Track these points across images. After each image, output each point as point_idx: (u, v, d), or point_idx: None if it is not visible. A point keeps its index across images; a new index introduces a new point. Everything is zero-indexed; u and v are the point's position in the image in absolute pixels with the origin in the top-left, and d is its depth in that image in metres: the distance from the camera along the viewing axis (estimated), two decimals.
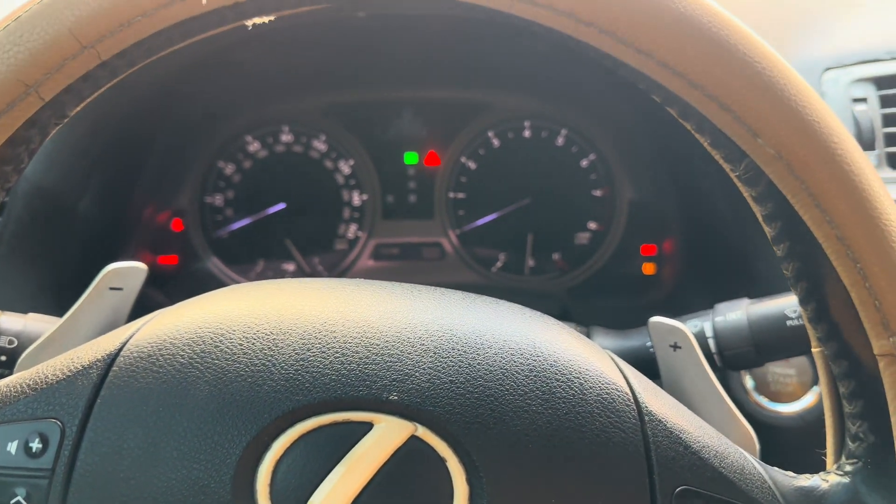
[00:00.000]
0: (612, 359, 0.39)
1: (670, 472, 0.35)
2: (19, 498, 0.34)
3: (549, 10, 0.32)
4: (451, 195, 1.06)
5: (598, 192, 1.05)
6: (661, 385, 0.57)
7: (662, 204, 1.03)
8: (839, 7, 0.85)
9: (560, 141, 1.04)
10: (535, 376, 0.35)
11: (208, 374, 0.34)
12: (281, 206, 1.04)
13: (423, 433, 0.33)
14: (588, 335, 0.72)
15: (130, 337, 0.37)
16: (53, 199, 0.84)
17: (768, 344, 0.63)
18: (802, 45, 0.81)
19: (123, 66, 0.34)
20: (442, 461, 0.33)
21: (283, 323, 0.36)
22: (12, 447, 0.34)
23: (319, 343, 0.35)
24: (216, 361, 0.35)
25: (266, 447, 0.33)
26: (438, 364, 0.35)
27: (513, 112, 1.04)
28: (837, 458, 0.39)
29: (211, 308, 0.38)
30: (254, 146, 1.04)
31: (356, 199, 1.05)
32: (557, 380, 0.35)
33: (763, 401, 0.76)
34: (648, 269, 1.05)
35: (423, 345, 0.36)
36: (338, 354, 0.35)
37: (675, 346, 0.60)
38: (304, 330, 0.36)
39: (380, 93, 1.04)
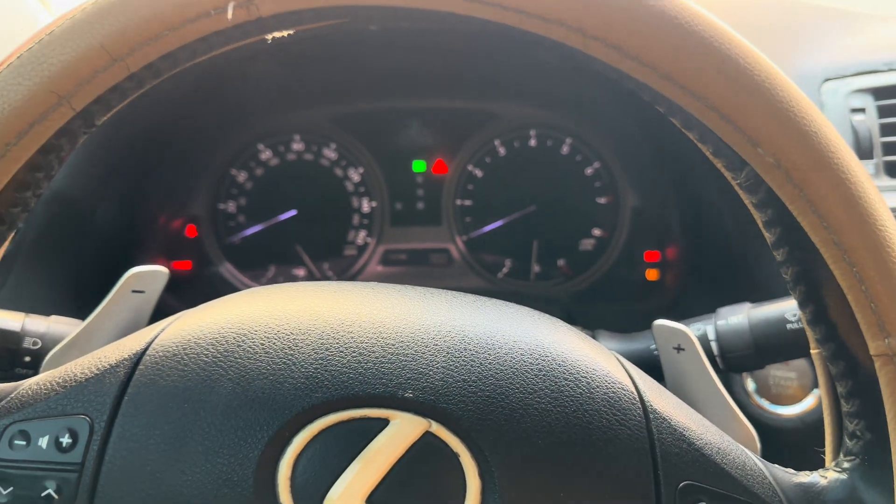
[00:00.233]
0: (618, 359, 0.40)
1: (674, 467, 0.35)
2: (50, 491, 0.34)
3: (559, 25, 0.33)
4: (459, 202, 1.06)
5: (602, 200, 1.05)
6: (665, 386, 0.58)
7: (665, 211, 1.03)
8: (838, 20, 0.86)
9: (565, 150, 1.05)
10: (544, 375, 0.36)
11: (231, 373, 0.35)
12: (292, 212, 1.05)
13: (437, 429, 0.34)
14: (594, 338, 0.73)
15: (156, 337, 0.38)
16: (72, 206, 0.85)
17: (769, 346, 0.64)
18: (803, 56, 0.82)
19: (150, 78, 0.36)
20: (455, 456, 0.34)
21: (303, 324, 0.37)
22: (43, 442, 0.35)
23: (337, 343, 0.36)
24: (239, 360, 0.36)
25: (287, 442, 0.34)
26: (451, 363, 0.36)
27: (519, 121, 1.05)
28: (836, 456, 0.39)
29: (233, 310, 0.39)
30: (266, 154, 1.05)
31: (365, 205, 1.06)
32: (566, 379, 0.36)
33: (764, 403, 0.77)
34: (652, 274, 1.06)
35: (437, 345, 0.36)
36: (355, 354, 0.36)
37: (679, 348, 0.61)
38: (323, 330, 0.37)
39: (389, 103, 1.05)
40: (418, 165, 1.06)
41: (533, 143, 1.05)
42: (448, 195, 1.06)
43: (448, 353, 0.36)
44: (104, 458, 0.35)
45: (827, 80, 0.80)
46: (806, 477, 0.38)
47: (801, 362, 0.77)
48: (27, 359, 0.63)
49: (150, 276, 0.62)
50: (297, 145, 1.05)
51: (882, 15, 0.87)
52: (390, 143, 1.06)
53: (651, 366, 0.63)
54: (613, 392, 0.37)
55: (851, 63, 0.80)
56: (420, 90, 1.04)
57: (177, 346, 0.37)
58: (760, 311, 0.65)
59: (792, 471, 0.39)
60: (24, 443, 0.36)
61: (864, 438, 0.37)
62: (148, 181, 0.99)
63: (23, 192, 0.36)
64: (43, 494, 0.35)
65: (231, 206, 1.05)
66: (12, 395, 0.37)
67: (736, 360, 0.65)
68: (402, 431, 0.34)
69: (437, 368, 0.36)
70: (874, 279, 0.34)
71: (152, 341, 0.38)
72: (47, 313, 0.67)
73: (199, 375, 0.36)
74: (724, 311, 0.67)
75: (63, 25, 0.34)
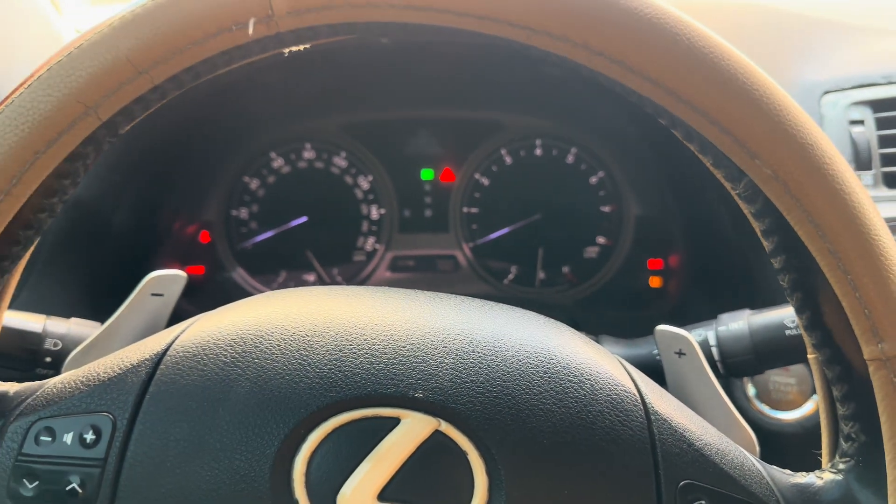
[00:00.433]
0: (621, 363, 0.41)
1: (674, 466, 0.36)
2: (74, 485, 0.35)
3: (564, 41, 0.34)
4: (466, 210, 1.07)
5: (606, 209, 1.06)
6: (666, 390, 0.59)
7: (668, 220, 1.04)
8: (838, 33, 0.87)
9: (570, 159, 1.06)
10: (549, 377, 0.37)
11: (249, 373, 0.36)
12: (303, 219, 1.06)
13: (446, 428, 0.35)
14: (597, 343, 0.74)
15: (176, 338, 0.39)
16: (90, 212, 0.86)
17: (768, 352, 0.64)
18: (803, 69, 0.82)
19: (172, 89, 0.36)
20: (463, 454, 0.35)
21: (317, 326, 0.38)
22: (68, 438, 0.36)
23: (350, 345, 0.37)
24: (256, 361, 0.37)
25: (302, 440, 0.35)
26: (460, 365, 0.37)
27: (525, 131, 1.06)
28: (832, 457, 0.40)
29: (250, 312, 0.40)
30: (277, 162, 1.06)
31: (374, 213, 1.07)
32: (570, 381, 0.37)
33: (764, 408, 0.78)
34: (655, 282, 1.06)
35: (446, 347, 0.37)
36: (367, 355, 0.37)
37: (680, 353, 0.61)
38: (337, 332, 0.38)
39: (398, 112, 1.05)
40: (426, 174, 1.07)
41: (539, 152, 1.06)
42: (455, 203, 1.07)
43: (457, 355, 0.37)
44: (126, 455, 0.36)
45: (826, 92, 0.81)
46: (803, 478, 0.39)
47: (800, 368, 0.77)
48: (48, 359, 0.64)
49: (169, 280, 0.63)
50: (308, 153, 1.06)
51: (880, 28, 0.88)
52: (399, 152, 1.06)
53: (653, 370, 0.64)
54: (616, 394, 0.38)
55: (850, 76, 0.82)
56: (428, 100, 1.05)
57: (196, 347, 0.38)
58: (760, 318, 0.66)
59: (789, 472, 0.40)
60: (49, 439, 0.36)
61: (858, 440, 0.38)
62: (163, 188, 1.00)
63: (49, 198, 0.37)
64: (67, 489, 0.35)
65: (243, 213, 1.06)
66: (38, 393, 0.38)
67: (736, 365, 0.66)
68: (412, 430, 0.35)
69: (447, 370, 0.36)
70: (868, 286, 0.34)
71: (173, 342, 0.38)
72: (66, 315, 0.68)
73: (217, 375, 0.36)
74: (724, 317, 0.68)
75: (91, 39, 0.35)
